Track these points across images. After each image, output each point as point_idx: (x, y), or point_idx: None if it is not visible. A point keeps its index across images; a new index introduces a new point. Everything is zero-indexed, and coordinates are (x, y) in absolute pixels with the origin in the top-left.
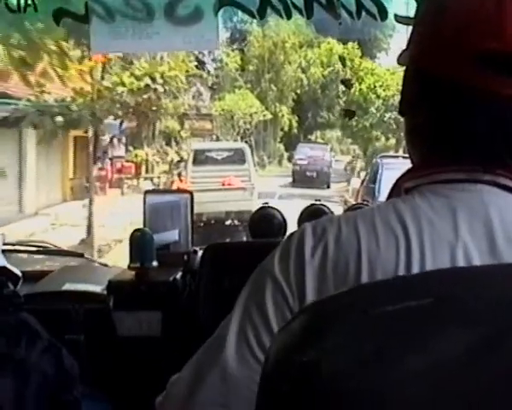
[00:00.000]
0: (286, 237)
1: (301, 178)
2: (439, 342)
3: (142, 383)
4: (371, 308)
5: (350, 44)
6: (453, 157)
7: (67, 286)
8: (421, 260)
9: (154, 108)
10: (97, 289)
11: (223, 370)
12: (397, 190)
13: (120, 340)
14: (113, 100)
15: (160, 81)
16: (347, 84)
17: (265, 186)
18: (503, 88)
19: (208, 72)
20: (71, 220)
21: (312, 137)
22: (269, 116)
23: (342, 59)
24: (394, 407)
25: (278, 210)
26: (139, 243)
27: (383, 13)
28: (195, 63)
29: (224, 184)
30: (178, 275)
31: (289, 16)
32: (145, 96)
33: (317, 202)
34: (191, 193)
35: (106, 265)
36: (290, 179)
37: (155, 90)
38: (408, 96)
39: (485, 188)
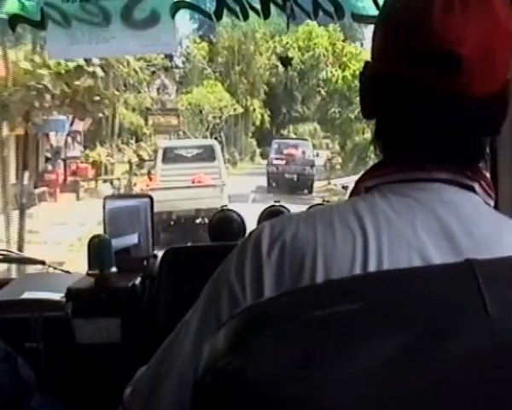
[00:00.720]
0: (244, 236)
1: (279, 182)
2: (368, 346)
3: (101, 390)
4: (300, 313)
5: (331, 26)
6: (413, 157)
7: (27, 295)
8: (378, 259)
9: (95, 99)
10: (57, 296)
11: (180, 374)
12: (357, 190)
13: (80, 347)
14: (33, 87)
15: (98, 62)
16: (285, 61)
17: (237, 186)
18: (437, 85)
19: (176, 66)
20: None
21: (285, 132)
22: (240, 110)
23: (285, 59)
24: None
25: (237, 212)
26: (97, 250)
27: (340, 12)
28: (162, 55)
29: (193, 182)
30: (138, 280)
31: (246, 17)
32: (79, 83)
33: (277, 204)
34: (151, 197)
35: (68, 272)
36: (265, 179)
37: (93, 74)
38: (364, 98)
39: (444, 187)
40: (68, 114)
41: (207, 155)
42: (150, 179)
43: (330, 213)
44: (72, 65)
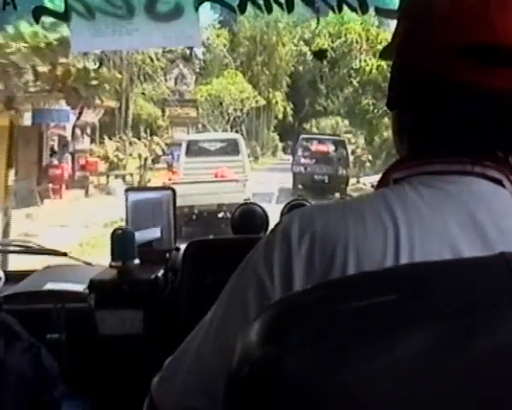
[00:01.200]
0: (272, 227)
1: (306, 183)
2: (404, 340)
3: (124, 381)
4: (335, 305)
5: None
6: (442, 149)
7: (49, 286)
8: (409, 252)
9: (91, 83)
10: (79, 288)
11: (200, 366)
12: (385, 181)
13: (102, 339)
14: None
15: None
16: (320, 55)
17: (260, 184)
18: (492, 80)
19: (196, 55)
20: None
21: (307, 127)
22: (262, 102)
23: (319, 53)
24: (359, 405)
25: (260, 206)
26: (120, 242)
27: (364, 6)
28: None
29: (216, 176)
30: (160, 273)
31: (270, 10)
32: (65, 61)
33: (300, 198)
34: (173, 189)
35: (89, 264)
36: (288, 175)
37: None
38: (396, 91)
39: (474, 180)
40: (58, 99)
41: (231, 148)
42: (172, 173)
43: (360, 204)
44: (53, 36)
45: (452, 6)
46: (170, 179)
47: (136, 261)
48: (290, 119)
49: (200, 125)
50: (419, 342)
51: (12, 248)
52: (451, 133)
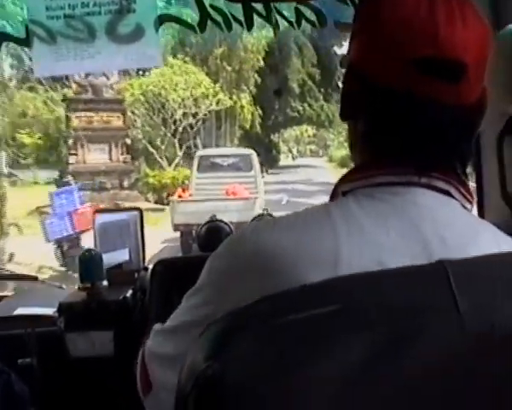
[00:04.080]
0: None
1: None
2: (342, 348)
3: (95, 403)
4: (274, 318)
5: None
6: (390, 161)
7: (20, 310)
8: (348, 263)
9: None
10: (49, 311)
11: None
12: (335, 194)
13: (73, 361)
14: None
15: None
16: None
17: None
18: (440, 93)
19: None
20: None
21: (274, 138)
22: (225, 102)
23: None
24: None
25: (226, 223)
26: (88, 264)
27: (322, 20)
28: None
29: (228, 193)
30: (129, 293)
31: (230, 28)
32: None
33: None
34: (141, 210)
35: (60, 287)
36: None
37: None
38: (348, 101)
39: (419, 191)
40: None
41: (244, 164)
42: (183, 190)
43: (305, 217)
44: None
45: (402, 21)
46: (180, 196)
47: (105, 283)
48: (258, 128)
49: (128, 141)
50: (356, 350)
51: None
52: (400, 144)
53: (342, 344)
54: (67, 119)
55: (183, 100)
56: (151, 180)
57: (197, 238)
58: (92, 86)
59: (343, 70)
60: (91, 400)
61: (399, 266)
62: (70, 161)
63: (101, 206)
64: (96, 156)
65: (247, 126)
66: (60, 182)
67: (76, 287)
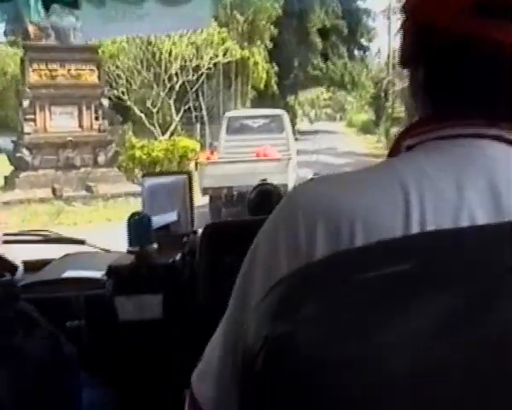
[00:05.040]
0: (278, 205)
1: None
2: (418, 310)
3: (144, 366)
4: (349, 276)
5: None
6: (457, 112)
7: (68, 273)
8: (421, 221)
9: None
10: (98, 275)
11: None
12: (397, 149)
13: (121, 325)
14: None
15: None
16: None
17: None
18: (502, 35)
19: None
20: None
21: (290, 100)
22: (235, 54)
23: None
24: (374, 377)
25: (276, 186)
26: (137, 227)
27: None
28: None
29: (258, 155)
30: (178, 257)
31: None
32: None
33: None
34: (189, 173)
35: (107, 250)
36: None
37: None
38: (407, 49)
39: (490, 143)
40: None
41: (275, 125)
42: (211, 152)
43: (367, 175)
44: None
45: None
46: (208, 159)
47: (154, 246)
48: (274, 88)
49: (105, 102)
50: (433, 312)
51: (30, 238)
52: (465, 94)
53: (420, 303)
54: (22, 72)
55: (180, 49)
56: (138, 153)
57: (247, 202)
58: (56, 30)
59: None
60: (139, 363)
61: (475, 225)
62: (26, 130)
63: (66, 192)
64: (60, 123)
65: (261, 86)
66: (14, 157)
67: (125, 251)
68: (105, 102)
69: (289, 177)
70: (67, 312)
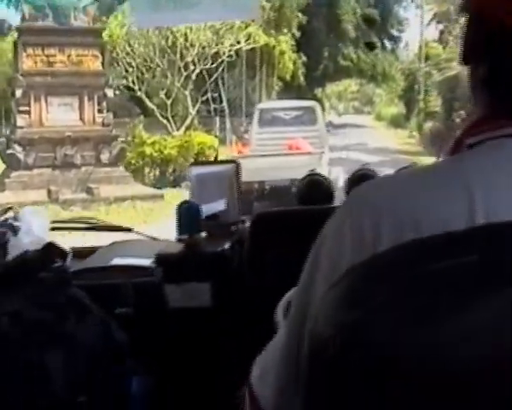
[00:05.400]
0: (344, 199)
1: None
2: (488, 299)
3: (192, 354)
4: (418, 265)
5: None
6: None
7: (116, 261)
8: (485, 220)
9: None
10: (146, 262)
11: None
12: (459, 147)
13: (170, 312)
14: None
15: None
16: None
17: None
18: None
19: None
20: None
21: (317, 92)
22: (259, 40)
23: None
24: (447, 363)
25: (326, 177)
26: (186, 215)
27: None
28: None
29: (290, 148)
30: (227, 245)
31: None
32: None
33: (365, 167)
34: (237, 163)
35: (155, 238)
36: None
37: None
38: (470, 44)
39: None
40: None
41: (308, 117)
42: (243, 145)
43: (432, 174)
44: None
45: None
46: (239, 152)
47: (203, 234)
48: (302, 81)
49: (109, 93)
50: (501, 304)
51: (77, 225)
52: None
53: (485, 297)
54: (15, 58)
55: (197, 34)
56: (148, 150)
57: (297, 192)
58: (54, 9)
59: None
60: (187, 350)
61: None
62: (18, 123)
63: (63, 195)
64: (58, 116)
65: (288, 77)
66: (6, 155)
67: (173, 239)
68: (109, 92)
69: (322, 170)
70: (116, 299)
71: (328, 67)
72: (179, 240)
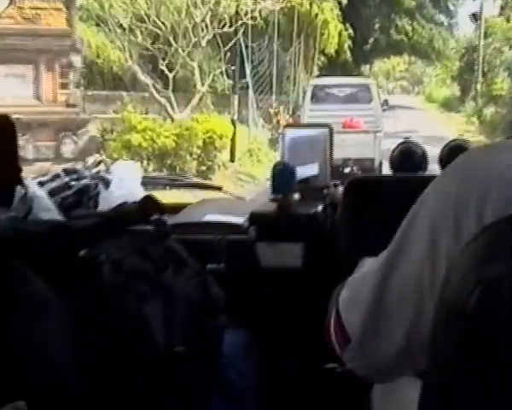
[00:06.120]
0: (445, 168)
1: None
2: None
3: (282, 314)
4: None
5: None
6: None
7: (209, 217)
8: None
9: None
10: (239, 220)
11: (381, 301)
12: None
13: (261, 271)
14: None
15: None
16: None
17: None
18: None
19: None
20: None
21: (364, 70)
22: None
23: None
24: None
25: (419, 145)
26: (281, 176)
27: None
28: None
29: (344, 126)
30: (320, 208)
31: None
32: None
33: (459, 138)
34: (330, 127)
35: (242, 198)
36: None
37: None
38: None
39: None
40: None
41: (362, 95)
42: (294, 122)
43: None
44: None
45: None
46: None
47: (296, 196)
48: (348, 56)
49: (76, 60)
50: None
51: (169, 182)
52: None
53: None
54: None
55: None
56: (136, 139)
57: (390, 159)
58: None
59: None
60: (277, 310)
61: None
62: None
63: None
64: (5, 91)
65: (332, 51)
66: None
67: (266, 199)
68: (77, 60)
69: (376, 150)
70: (208, 255)
71: (379, 42)
72: (272, 200)
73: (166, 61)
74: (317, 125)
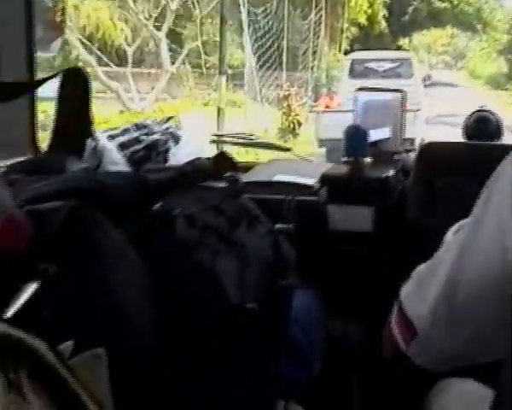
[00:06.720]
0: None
1: None
2: None
3: (350, 276)
4: None
5: None
6: None
7: (279, 177)
8: None
9: None
10: (309, 181)
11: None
12: None
13: (330, 233)
14: None
15: None
16: None
17: None
18: None
19: None
20: None
21: (403, 43)
22: None
23: None
24: None
25: (494, 113)
26: (353, 138)
27: None
28: None
29: None
30: (391, 172)
31: None
32: None
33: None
34: (403, 92)
35: (310, 160)
36: None
37: None
38: None
39: None
40: None
41: (403, 70)
42: (331, 99)
43: None
44: None
45: None
46: (327, 106)
47: (368, 160)
48: (383, 27)
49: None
50: None
51: (237, 140)
52: None
53: None
54: None
55: None
56: None
57: (465, 127)
58: None
59: None
60: (345, 273)
61: None
62: None
63: None
64: None
65: (364, 21)
66: None
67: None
68: None
69: (417, 130)
70: (278, 214)
71: (420, 11)
72: (344, 162)
73: (124, 35)
74: (390, 89)
